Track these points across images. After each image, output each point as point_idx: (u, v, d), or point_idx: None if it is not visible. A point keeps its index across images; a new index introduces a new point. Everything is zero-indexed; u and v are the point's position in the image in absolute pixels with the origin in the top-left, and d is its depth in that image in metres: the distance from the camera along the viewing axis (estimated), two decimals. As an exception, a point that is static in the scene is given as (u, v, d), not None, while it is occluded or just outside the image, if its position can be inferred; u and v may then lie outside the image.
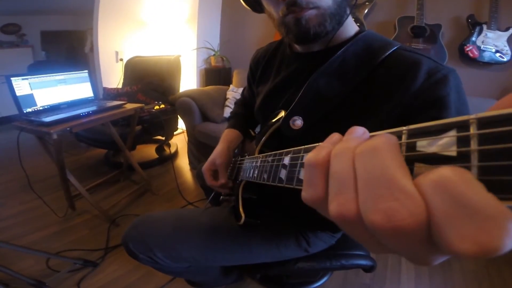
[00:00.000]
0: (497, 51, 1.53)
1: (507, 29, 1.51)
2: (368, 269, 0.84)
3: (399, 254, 0.15)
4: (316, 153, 0.19)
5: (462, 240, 0.12)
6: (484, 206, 0.12)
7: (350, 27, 0.57)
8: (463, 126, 0.14)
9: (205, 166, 0.76)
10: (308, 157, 0.20)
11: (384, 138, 0.16)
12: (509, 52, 1.51)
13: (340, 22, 0.52)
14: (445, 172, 0.13)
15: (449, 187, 0.13)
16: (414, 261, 0.15)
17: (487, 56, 1.56)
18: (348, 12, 0.54)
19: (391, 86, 0.47)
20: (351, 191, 0.16)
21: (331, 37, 0.54)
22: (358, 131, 0.19)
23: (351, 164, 0.17)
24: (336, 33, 0.53)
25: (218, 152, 0.76)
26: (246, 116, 0.88)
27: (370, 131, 0.20)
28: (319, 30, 0.50)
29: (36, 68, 3.59)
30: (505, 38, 1.51)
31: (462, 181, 0.12)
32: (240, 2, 0.63)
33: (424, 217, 0.13)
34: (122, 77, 2.61)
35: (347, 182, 0.16)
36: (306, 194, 0.20)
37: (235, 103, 0.97)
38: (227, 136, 0.81)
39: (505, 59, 1.53)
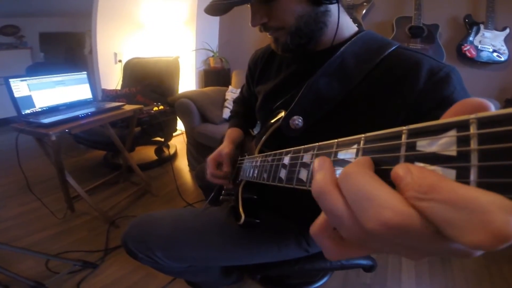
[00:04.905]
0: (494, 51, 1.54)
1: (503, 29, 1.52)
2: (368, 269, 0.84)
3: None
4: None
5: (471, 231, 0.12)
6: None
7: (349, 27, 0.57)
8: (463, 126, 0.14)
9: (211, 157, 0.75)
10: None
11: (354, 161, 0.19)
12: (506, 51, 1.52)
13: (313, 33, 0.54)
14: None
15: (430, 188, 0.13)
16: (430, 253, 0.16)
17: (484, 55, 1.56)
18: (325, 22, 0.53)
19: (392, 86, 0.47)
20: (346, 218, 0.17)
21: (319, 43, 0.56)
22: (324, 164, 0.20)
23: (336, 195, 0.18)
24: (323, 39, 0.56)
25: (224, 145, 0.76)
26: (246, 114, 0.89)
27: (371, 131, 0.20)
28: (292, 46, 0.55)
29: (34, 69, 3.58)
30: (502, 37, 1.52)
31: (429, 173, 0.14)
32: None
33: (412, 213, 0.14)
34: (121, 78, 2.60)
35: (340, 213, 0.17)
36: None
37: (234, 101, 0.97)
38: (231, 135, 0.81)
39: (502, 59, 1.53)
